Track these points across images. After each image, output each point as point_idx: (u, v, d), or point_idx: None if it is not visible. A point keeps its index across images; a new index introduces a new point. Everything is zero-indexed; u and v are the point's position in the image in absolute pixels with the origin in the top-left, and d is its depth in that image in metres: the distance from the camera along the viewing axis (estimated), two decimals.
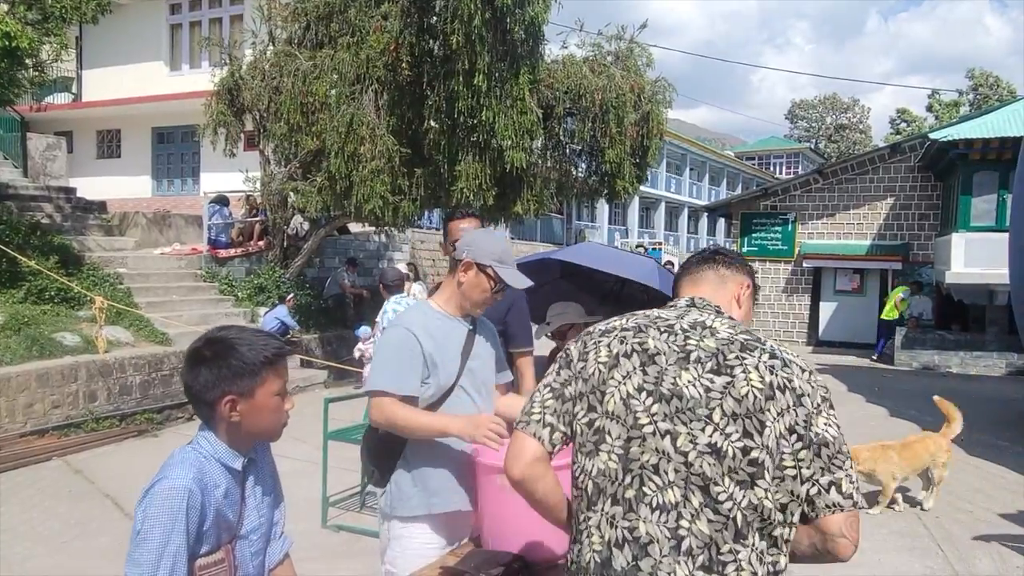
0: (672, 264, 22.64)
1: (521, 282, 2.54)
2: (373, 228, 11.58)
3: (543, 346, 4.68)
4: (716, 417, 1.38)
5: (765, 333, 1.62)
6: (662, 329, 1.50)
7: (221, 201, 12.22)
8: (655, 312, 1.57)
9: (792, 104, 63.63)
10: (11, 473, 6.12)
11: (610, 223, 31.55)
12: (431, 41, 8.86)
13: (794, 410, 1.39)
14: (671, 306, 1.61)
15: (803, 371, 1.44)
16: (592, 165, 10.48)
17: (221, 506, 1.63)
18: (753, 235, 17.00)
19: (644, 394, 1.43)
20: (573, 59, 9.98)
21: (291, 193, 10.26)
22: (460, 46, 8.10)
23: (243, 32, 12.25)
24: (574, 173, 10.55)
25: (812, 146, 56.92)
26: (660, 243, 29.16)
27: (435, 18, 8.47)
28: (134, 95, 16.62)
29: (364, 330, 9.54)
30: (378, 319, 6.59)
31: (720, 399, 1.39)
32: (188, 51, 17.11)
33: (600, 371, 1.48)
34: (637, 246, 28.04)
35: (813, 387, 1.43)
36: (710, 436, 1.38)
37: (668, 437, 1.39)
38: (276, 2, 10.67)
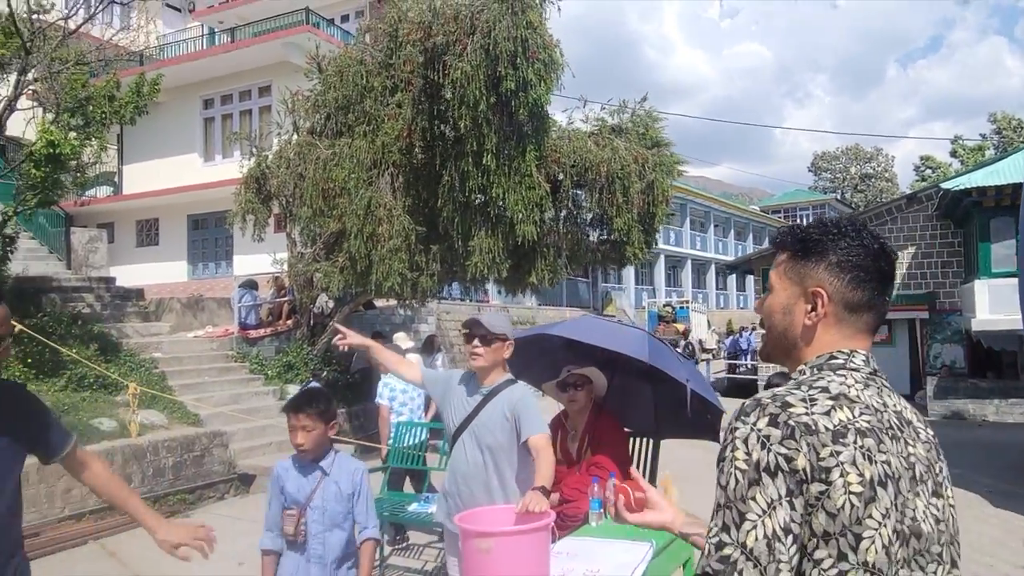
0: (688, 334, 22.57)
1: (494, 325, 3.33)
2: (396, 302, 11.96)
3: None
4: (945, 554, 1.19)
5: None
6: (891, 435, 1.19)
7: (249, 285, 12.75)
8: (863, 395, 1.22)
9: (815, 156, 63.99)
10: (49, 558, 6.37)
11: (637, 284, 31.73)
12: (442, 125, 9.36)
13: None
14: (850, 367, 1.26)
15: None
16: (602, 233, 10.80)
17: (286, 482, 2.99)
18: None
19: (896, 537, 1.13)
20: (578, 133, 10.42)
21: (315, 273, 10.70)
22: (468, 129, 8.58)
23: (270, 123, 13.01)
24: (585, 241, 10.88)
25: (838, 197, 56.88)
26: (687, 301, 29.18)
27: (444, 104, 8.97)
28: (171, 186, 17.56)
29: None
30: (378, 395, 6.86)
31: (944, 530, 1.20)
32: (220, 142, 18.08)
33: (854, 505, 1.11)
34: (665, 306, 28.11)
35: None
36: None
37: None
38: (299, 95, 11.36)
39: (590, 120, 10.69)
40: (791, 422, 1.14)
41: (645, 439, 4.86)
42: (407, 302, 11.06)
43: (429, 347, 11.43)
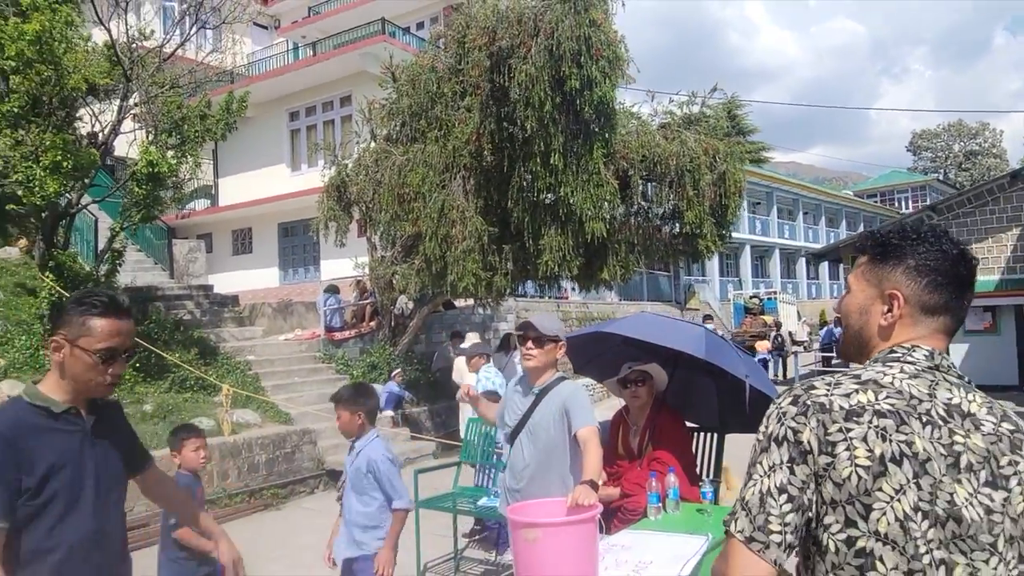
0: (780, 326, 21.88)
1: (547, 328, 3.47)
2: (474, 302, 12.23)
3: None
4: (1000, 545, 1.20)
5: None
6: (924, 420, 1.23)
7: (332, 290, 13.35)
8: (902, 383, 1.28)
9: (913, 135, 60.76)
10: (154, 547, 6.91)
11: (721, 275, 31.01)
12: (510, 127, 9.50)
13: None
14: (906, 360, 1.32)
15: None
16: (674, 227, 10.72)
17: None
18: None
19: (920, 515, 1.18)
20: (647, 127, 10.36)
21: (394, 276, 11.07)
22: (535, 130, 8.70)
23: (351, 132, 13.52)
24: (657, 236, 10.82)
25: (940, 177, 53.79)
26: (775, 292, 28.31)
27: (511, 106, 9.12)
28: (262, 196, 18.46)
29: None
30: (475, 383, 7.23)
31: (1001, 522, 1.20)
32: (306, 152, 18.89)
33: (860, 477, 1.19)
34: (751, 297, 27.36)
35: None
36: (995, 568, 1.19)
37: (943, 569, 1.18)
38: (375, 104, 11.76)
39: (659, 113, 10.63)
40: (808, 401, 1.26)
41: (709, 434, 4.86)
42: (483, 301, 11.29)
43: (506, 345, 11.62)
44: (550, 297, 17.06)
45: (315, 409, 9.98)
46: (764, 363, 18.98)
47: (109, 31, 10.05)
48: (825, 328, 24.07)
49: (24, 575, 1.90)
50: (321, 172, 12.50)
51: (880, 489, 1.19)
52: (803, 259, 36.39)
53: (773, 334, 20.79)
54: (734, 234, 24.50)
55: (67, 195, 9.66)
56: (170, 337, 10.61)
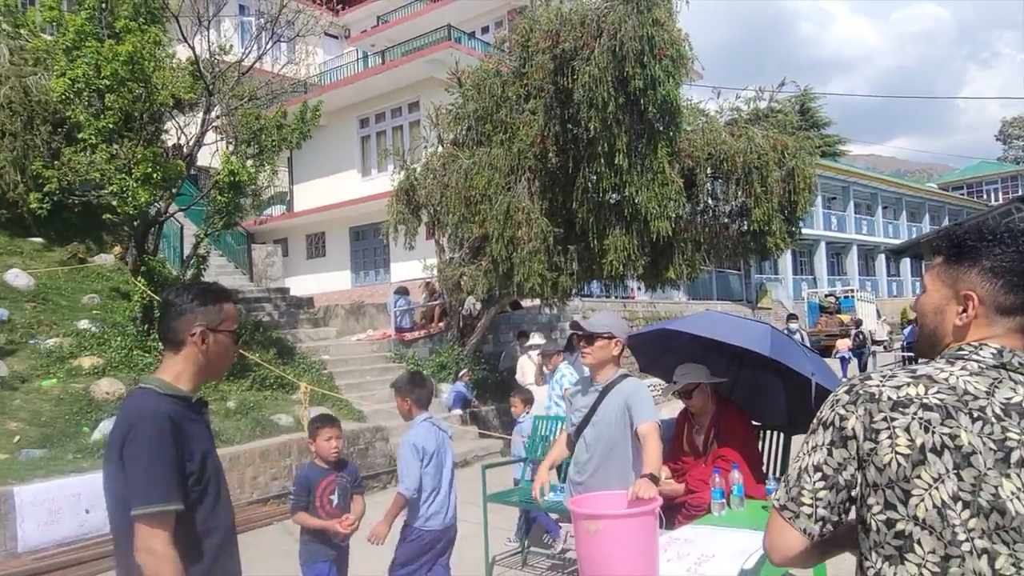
0: (861, 324, 21.14)
1: (594, 325, 3.54)
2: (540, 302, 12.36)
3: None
4: None
5: None
6: (975, 416, 1.26)
7: (401, 292, 13.71)
8: (958, 380, 1.31)
9: (1003, 123, 57.74)
10: (243, 536, 7.27)
11: (795, 273, 30.15)
12: (574, 128, 9.58)
13: None
14: (972, 359, 1.34)
15: None
16: (741, 225, 10.59)
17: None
18: None
19: (960, 504, 1.23)
20: (713, 124, 10.27)
21: (462, 277, 11.30)
22: (599, 131, 8.76)
23: (419, 137, 13.85)
24: (724, 234, 10.71)
25: None
26: (852, 290, 27.37)
27: (575, 108, 9.20)
28: (334, 201, 19.06)
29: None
30: (555, 379, 7.45)
31: None
32: (376, 157, 19.40)
33: (900, 464, 1.26)
34: (827, 295, 26.56)
35: None
36: None
37: (985, 557, 1.22)
38: (441, 109, 12.03)
39: (726, 110, 10.52)
40: (860, 391, 1.35)
41: (775, 432, 4.83)
42: (549, 302, 11.40)
43: (571, 346, 11.71)
44: (616, 297, 17.03)
45: (387, 407, 10.28)
46: (844, 361, 18.44)
47: (192, 48, 10.59)
48: (909, 327, 23.12)
49: (192, 556, 1.95)
50: (390, 177, 12.86)
51: (919, 477, 1.25)
52: (882, 255, 35.03)
53: (854, 332, 20.15)
54: (808, 230, 23.94)
55: (156, 204, 10.23)
56: (251, 337, 11.10)
